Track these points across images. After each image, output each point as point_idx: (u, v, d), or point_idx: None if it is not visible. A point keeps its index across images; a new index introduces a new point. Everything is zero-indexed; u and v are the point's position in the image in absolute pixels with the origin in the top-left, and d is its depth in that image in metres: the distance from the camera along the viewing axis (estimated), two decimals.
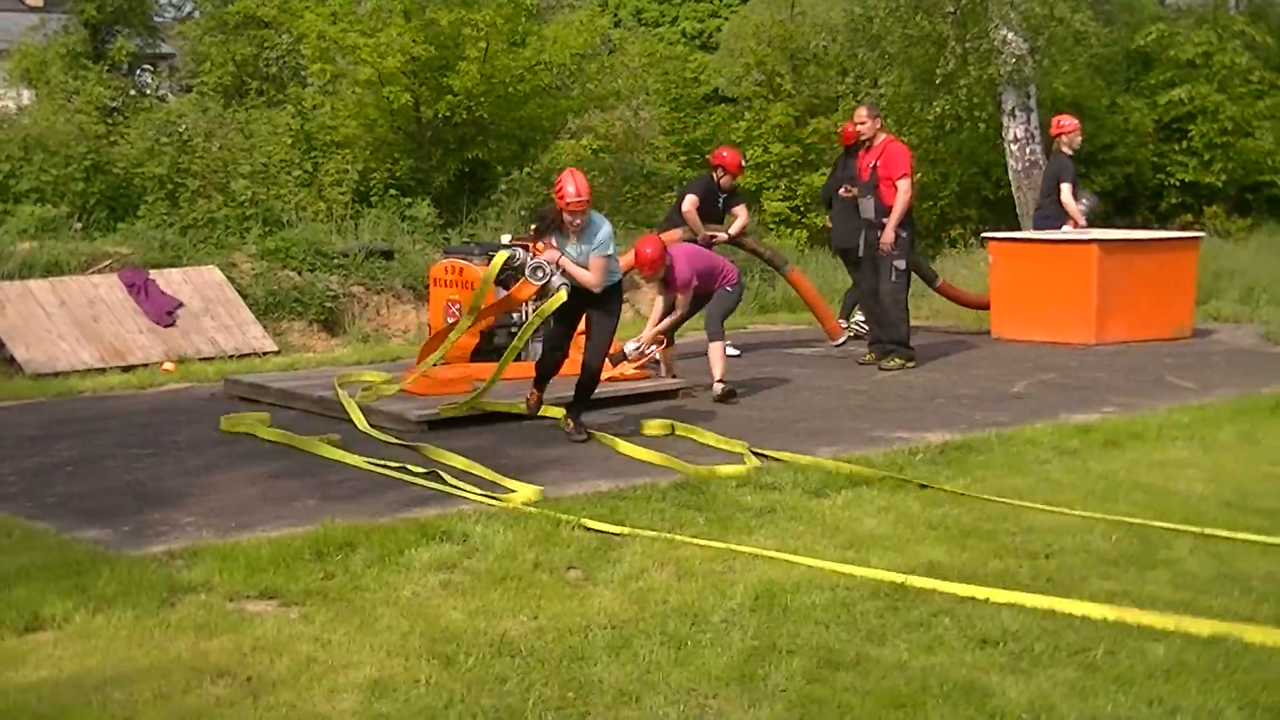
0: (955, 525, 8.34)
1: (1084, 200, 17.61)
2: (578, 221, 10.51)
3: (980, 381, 13.83)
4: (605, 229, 10.68)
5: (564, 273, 10.57)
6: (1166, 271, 16.75)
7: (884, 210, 14.44)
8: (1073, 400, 12.59)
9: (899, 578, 7.15)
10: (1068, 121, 17.67)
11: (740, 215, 15.27)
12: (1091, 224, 17.50)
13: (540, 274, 10.51)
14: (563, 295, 10.51)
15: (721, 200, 15.08)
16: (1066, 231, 17.08)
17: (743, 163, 15.70)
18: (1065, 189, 17.20)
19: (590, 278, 10.59)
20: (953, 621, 6.60)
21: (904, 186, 14.40)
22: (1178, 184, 27.36)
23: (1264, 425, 11.40)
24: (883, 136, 14.82)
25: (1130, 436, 10.86)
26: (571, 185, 10.40)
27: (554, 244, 10.68)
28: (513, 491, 8.86)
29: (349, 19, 22.34)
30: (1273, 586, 7.22)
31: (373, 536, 7.77)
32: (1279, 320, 17.19)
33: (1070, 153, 17.48)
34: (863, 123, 14.75)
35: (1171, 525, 8.28)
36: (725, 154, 15.05)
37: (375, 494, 9.06)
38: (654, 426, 11.17)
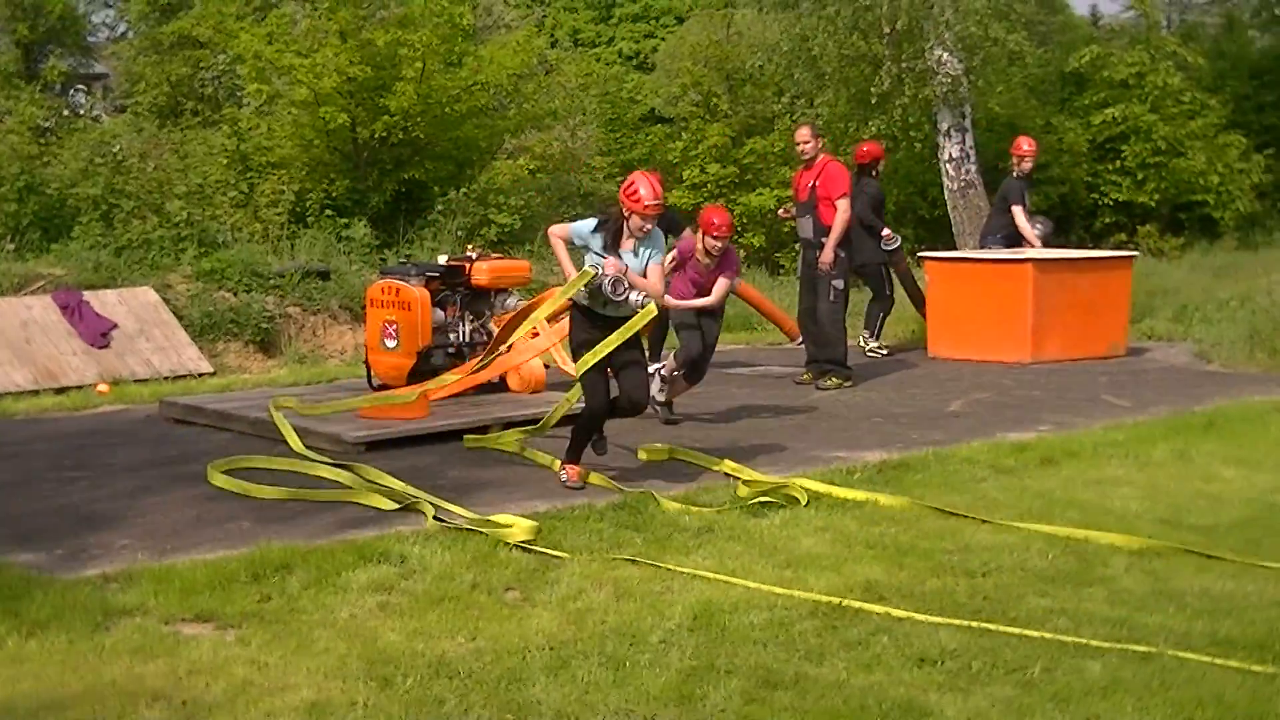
0: (893, 544, 8.36)
1: (1039, 225, 17.83)
2: (648, 227, 9.88)
3: (917, 400, 13.88)
4: (659, 233, 10.18)
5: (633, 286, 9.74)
6: (1101, 290, 16.86)
7: (823, 230, 14.45)
8: (1008, 419, 12.65)
9: (834, 599, 7.17)
10: (1028, 146, 17.87)
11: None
12: (1046, 247, 17.72)
13: (620, 288, 9.66)
14: (652, 309, 9.80)
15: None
16: (1013, 250, 17.26)
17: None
18: (1018, 212, 17.43)
19: (656, 287, 9.99)
20: (891, 640, 6.62)
21: (843, 206, 14.42)
22: (1111, 203, 27.62)
23: (1197, 443, 11.50)
24: (822, 156, 14.82)
25: (1066, 454, 10.93)
26: (645, 187, 9.68)
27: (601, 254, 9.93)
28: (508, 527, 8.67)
29: (285, 39, 22.28)
30: (1208, 603, 7.27)
31: (310, 558, 7.72)
32: (1211, 338, 17.32)
33: (1020, 176, 17.70)
34: (807, 142, 14.70)
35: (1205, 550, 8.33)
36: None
37: (312, 516, 9.01)
38: (652, 451, 10.88)
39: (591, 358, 9.71)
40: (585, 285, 9.75)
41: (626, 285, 9.72)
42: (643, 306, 9.75)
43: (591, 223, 10.00)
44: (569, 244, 10.09)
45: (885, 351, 17.07)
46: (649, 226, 9.83)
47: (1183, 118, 27.87)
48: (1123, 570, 7.89)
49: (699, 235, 12.11)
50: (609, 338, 9.73)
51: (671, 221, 14.70)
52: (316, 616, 6.93)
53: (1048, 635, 6.66)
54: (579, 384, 10.02)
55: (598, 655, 6.35)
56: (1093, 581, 7.67)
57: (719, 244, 11.91)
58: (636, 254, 9.88)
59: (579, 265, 9.93)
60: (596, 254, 9.83)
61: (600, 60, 38.67)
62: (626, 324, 9.77)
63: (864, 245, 16.10)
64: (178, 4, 29.91)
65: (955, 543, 8.43)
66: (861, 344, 16.83)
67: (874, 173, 17.09)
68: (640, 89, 34.03)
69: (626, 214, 9.75)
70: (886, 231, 16.91)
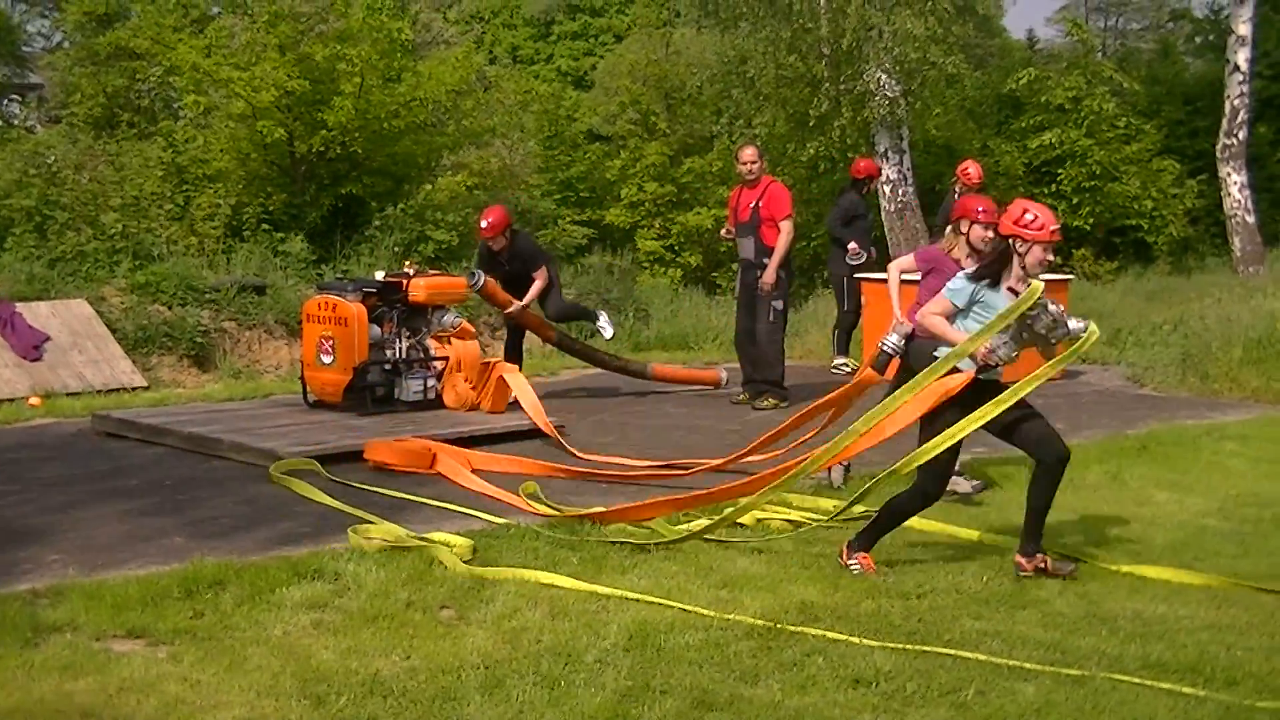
0: (828, 565, 8.38)
1: None
2: (1050, 258, 8.45)
3: (851, 421, 13.84)
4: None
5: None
6: None
7: (764, 250, 14.47)
8: None
9: (768, 622, 7.18)
10: (974, 170, 18.08)
11: (537, 279, 14.61)
12: None
13: (1057, 317, 8.37)
14: (1095, 332, 8.71)
15: (505, 263, 14.60)
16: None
17: (502, 221, 14.49)
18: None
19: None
20: (826, 662, 6.62)
21: (786, 228, 14.45)
22: None
23: (1130, 466, 11.60)
24: (764, 177, 14.82)
25: (1001, 477, 10.99)
26: (1033, 213, 8.25)
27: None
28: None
29: (223, 52, 22.19)
30: (1140, 626, 7.31)
31: (243, 575, 7.67)
32: (1145, 362, 17.45)
33: (959, 198, 17.95)
34: (754, 162, 14.66)
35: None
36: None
37: (245, 531, 8.96)
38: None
39: (968, 425, 8.23)
40: (1031, 306, 8.21)
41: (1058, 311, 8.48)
42: (1083, 333, 8.62)
43: (961, 280, 8.55)
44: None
45: (848, 369, 17.18)
46: (1049, 258, 8.46)
47: (1118, 143, 28.13)
48: (1056, 593, 7.93)
49: (954, 232, 10.46)
50: (1013, 389, 8.24)
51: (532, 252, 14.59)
52: (250, 634, 6.88)
53: (982, 657, 6.69)
54: (920, 463, 8.46)
55: (533, 675, 6.33)
56: (1026, 604, 7.70)
57: (990, 233, 9.87)
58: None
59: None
60: (978, 311, 8.35)
61: (539, 77, 38.73)
62: (1074, 347, 8.61)
63: (831, 257, 16.40)
64: (115, 15, 29.69)
65: (889, 565, 8.45)
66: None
67: (865, 189, 17.45)
68: (579, 107, 34.08)
69: (1022, 249, 8.40)
70: (852, 246, 17.11)
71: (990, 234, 9.84)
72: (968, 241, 10.22)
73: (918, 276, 10.62)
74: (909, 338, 10.05)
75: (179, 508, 9.69)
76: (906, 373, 9.59)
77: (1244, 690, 6.34)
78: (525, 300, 14.46)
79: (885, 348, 10.28)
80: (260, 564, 7.96)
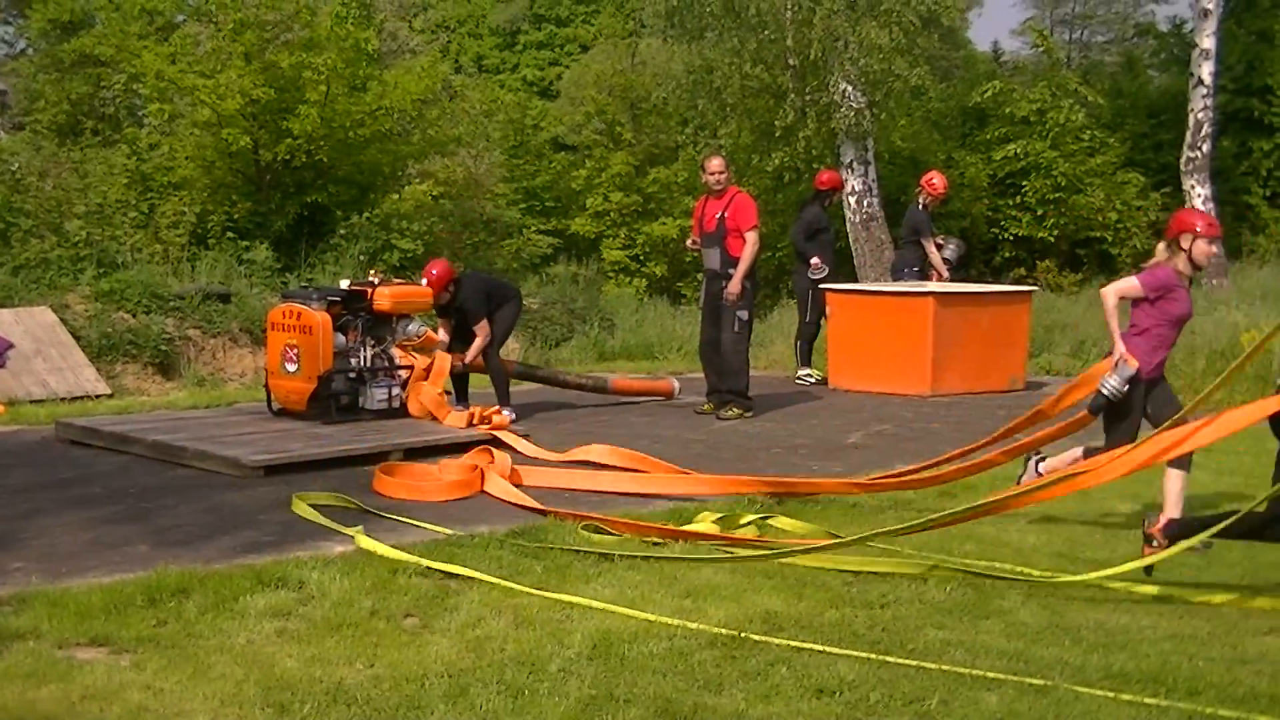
0: (791, 574, 8.38)
1: (950, 246, 18.20)
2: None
3: (817, 431, 13.96)
4: None
5: None
6: (1000, 325, 17.04)
7: (730, 261, 14.49)
8: (907, 451, 12.73)
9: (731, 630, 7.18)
10: (939, 181, 18.23)
11: (479, 334, 14.26)
12: (960, 265, 18.18)
13: None
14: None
15: (453, 314, 14.32)
16: (916, 283, 17.56)
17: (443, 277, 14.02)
18: (929, 243, 17.88)
19: None
20: (790, 671, 6.63)
21: (752, 238, 14.48)
22: (1011, 238, 27.94)
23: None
24: (730, 187, 14.85)
25: (964, 487, 10.98)
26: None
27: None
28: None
29: (188, 59, 22.16)
30: (1103, 636, 7.34)
31: (207, 583, 7.66)
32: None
33: (925, 209, 18.13)
34: (721, 172, 14.68)
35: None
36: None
37: (209, 540, 8.93)
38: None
39: None
40: None
41: None
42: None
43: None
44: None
45: (813, 379, 17.27)
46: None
47: (1082, 154, 28.26)
48: (1019, 603, 7.95)
49: (1170, 249, 9.77)
50: None
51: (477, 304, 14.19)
52: (213, 642, 6.86)
53: (945, 667, 6.70)
54: None
55: (496, 684, 6.33)
56: (989, 614, 7.72)
57: (1215, 247, 9.91)
58: None
59: None
60: None
61: (505, 87, 38.71)
62: None
63: (795, 270, 16.56)
64: (79, 22, 29.66)
65: (854, 574, 8.46)
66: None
67: (828, 201, 17.58)
68: (544, 116, 34.09)
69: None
70: (815, 261, 17.20)
71: (1215, 248, 9.67)
72: (1190, 259, 9.68)
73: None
74: (1132, 380, 9.69)
75: (143, 515, 9.66)
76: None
77: (1206, 699, 6.37)
78: (469, 356, 14.10)
79: (1105, 391, 9.76)
80: (224, 572, 7.94)
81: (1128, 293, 9.85)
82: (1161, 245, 9.83)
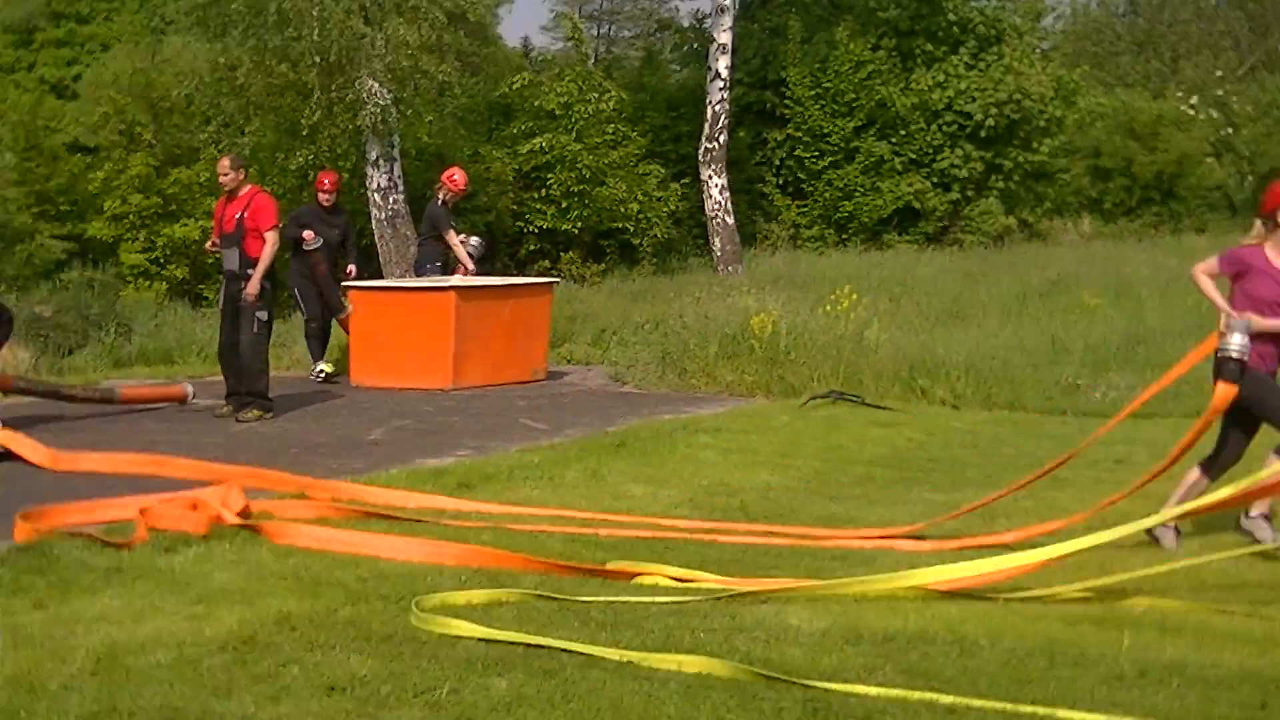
0: (307, 574, 8.31)
1: (472, 243, 18.38)
2: None
3: (338, 430, 13.92)
4: None
5: None
6: (522, 316, 17.30)
7: (249, 262, 14.33)
8: (427, 445, 12.82)
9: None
10: (460, 177, 18.42)
11: None
12: (485, 259, 18.45)
13: None
14: None
15: None
16: (438, 278, 17.70)
17: None
18: (453, 238, 18.01)
19: None
20: (301, 670, 6.58)
21: (270, 238, 14.36)
22: (536, 231, 28.25)
23: (608, 462, 11.95)
24: (248, 187, 14.69)
25: (483, 478, 11.13)
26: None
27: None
28: None
29: None
30: (610, 615, 7.49)
31: None
32: (626, 361, 17.99)
33: (445, 204, 18.32)
34: (227, 174, 14.58)
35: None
36: None
37: None
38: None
39: None
40: None
41: None
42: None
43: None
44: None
45: (322, 373, 17.22)
46: None
47: (605, 148, 28.78)
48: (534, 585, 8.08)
49: (1267, 225, 9.34)
50: None
51: None
52: None
53: (462, 656, 6.76)
54: None
55: None
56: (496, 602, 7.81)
57: None
58: None
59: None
60: None
61: (20, 86, 37.25)
62: None
63: (289, 269, 16.48)
64: None
65: (370, 570, 8.45)
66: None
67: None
68: (61, 117, 32.93)
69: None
70: (307, 233, 17.18)
71: None
72: None
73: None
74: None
75: None
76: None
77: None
78: None
79: (1234, 353, 9.05)
80: None
81: (1210, 270, 9.58)
82: (1258, 222, 9.49)
